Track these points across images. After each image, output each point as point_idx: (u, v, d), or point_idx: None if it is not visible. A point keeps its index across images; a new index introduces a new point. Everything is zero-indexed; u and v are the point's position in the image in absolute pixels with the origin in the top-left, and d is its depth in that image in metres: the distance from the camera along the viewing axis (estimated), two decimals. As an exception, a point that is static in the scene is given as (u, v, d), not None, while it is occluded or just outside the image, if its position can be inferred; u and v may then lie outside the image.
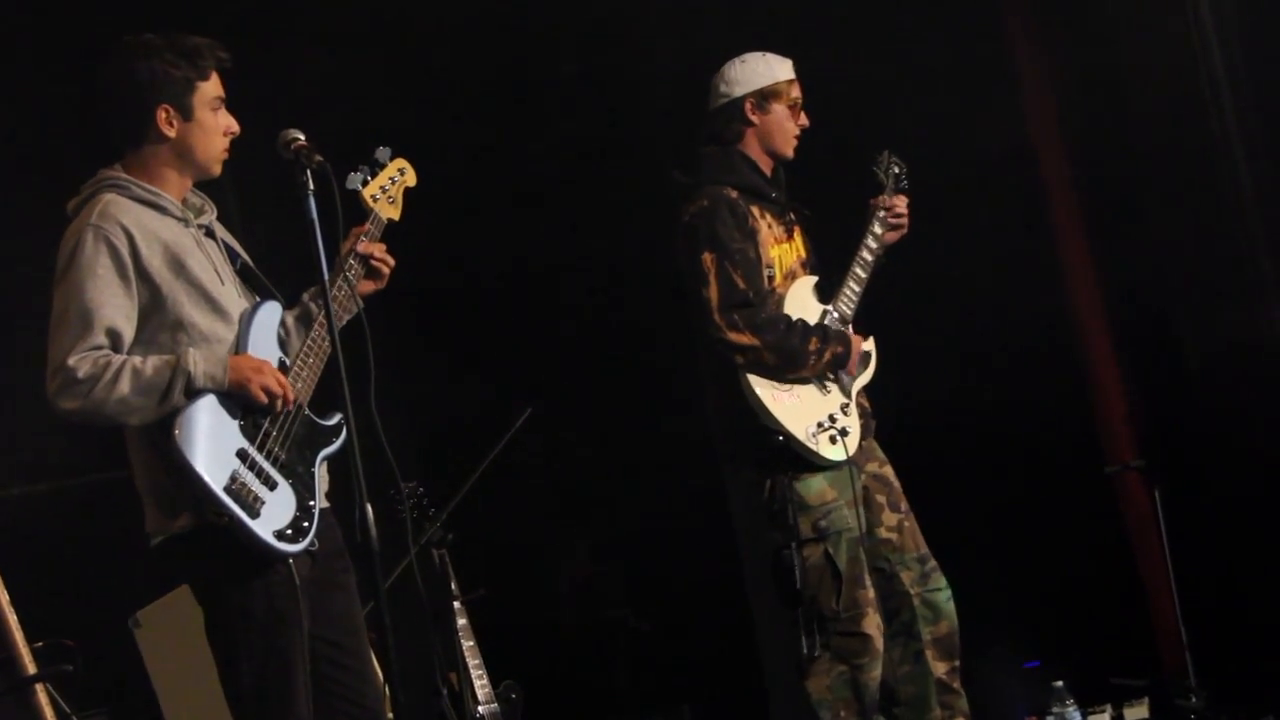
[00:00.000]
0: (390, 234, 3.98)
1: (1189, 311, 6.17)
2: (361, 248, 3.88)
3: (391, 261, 3.93)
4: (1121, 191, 6.29)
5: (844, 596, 4.78)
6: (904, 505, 5.01)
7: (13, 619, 4.12)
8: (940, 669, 4.94)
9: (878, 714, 4.84)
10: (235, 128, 3.81)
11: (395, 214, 4.00)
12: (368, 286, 3.90)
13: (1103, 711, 5.70)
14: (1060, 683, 5.48)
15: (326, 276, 3.54)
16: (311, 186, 3.54)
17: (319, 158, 3.56)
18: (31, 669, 4.11)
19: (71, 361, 3.54)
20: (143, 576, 4.41)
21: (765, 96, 4.99)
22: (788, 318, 4.87)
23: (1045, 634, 5.98)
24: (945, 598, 4.97)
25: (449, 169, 5.76)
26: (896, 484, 5.02)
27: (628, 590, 6.89)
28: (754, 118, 5.00)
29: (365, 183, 3.96)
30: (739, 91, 5.00)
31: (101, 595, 5.36)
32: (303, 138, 3.59)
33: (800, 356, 4.83)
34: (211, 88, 3.76)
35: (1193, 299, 6.15)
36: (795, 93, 5.02)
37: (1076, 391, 6.40)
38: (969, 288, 5.56)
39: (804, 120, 5.04)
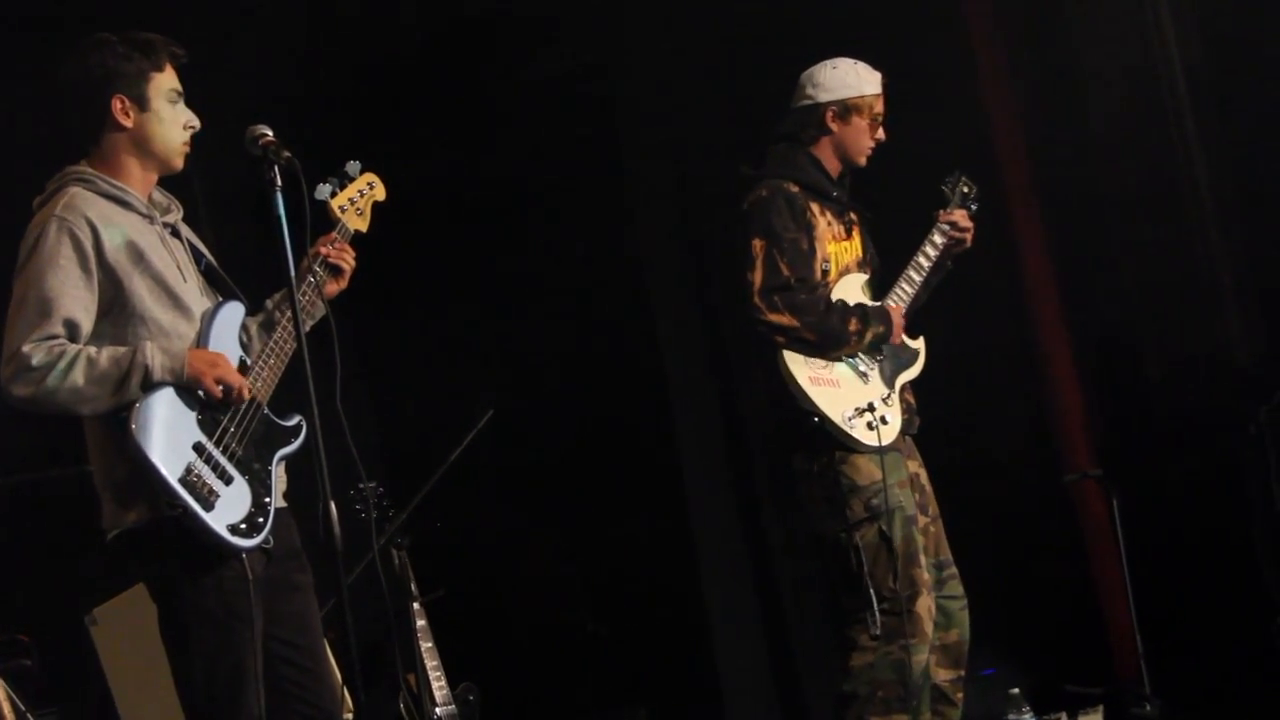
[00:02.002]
0: (356, 236, 3.97)
1: (1148, 321, 6.21)
2: (326, 252, 3.87)
3: (352, 260, 3.92)
4: (1082, 202, 6.32)
5: (900, 576, 4.75)
6: (932, 510, 5.01)
7: (-31, 615, 4.10)
8: (943, 676, 4.92)
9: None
10: (196, 122, 3.79)
11: (363, 226, 4.00)
12: (331, 288, 3.90)
13: (1058, 719, 5.72)
14: (1016, 690, 5.49)
15: (293, 272, 3.54)
16: (279, 182, 3.53)
17: (286, 153, 3.56)
18: (-12, 665, 4.09)
19: (26, 349, 3.54)
20: (99, 573, 4.38)
21: (848, 108, 4.96)
22: (828, 299, 4.88)
23: (1001, 641, 5.99)
24: (960, 606, 4.96)
25: (417, 168, 5.77)
26: (929, 488, 5.02)
27: (586, 593, 6.89)
28: (833, 126, 4.97)
29: (334, 194, 3.95)
30: (823, 97, 4.96)
31: (57, 592, 5.33)
32: (270, 133, 3.59)
33: (841, 335, 4.83)
34: (167, 79, 3.75)
35: (1152, 309, 6.18)
36: (879, 107, 4.99)
37: (1035, 400, 6.43)
38: (929, 296, 5.58)
39: (881, 135, 5.01)
